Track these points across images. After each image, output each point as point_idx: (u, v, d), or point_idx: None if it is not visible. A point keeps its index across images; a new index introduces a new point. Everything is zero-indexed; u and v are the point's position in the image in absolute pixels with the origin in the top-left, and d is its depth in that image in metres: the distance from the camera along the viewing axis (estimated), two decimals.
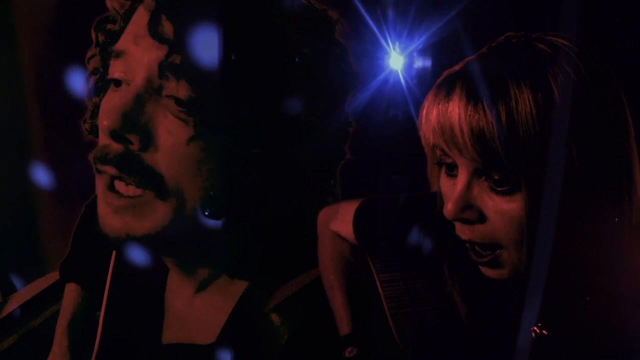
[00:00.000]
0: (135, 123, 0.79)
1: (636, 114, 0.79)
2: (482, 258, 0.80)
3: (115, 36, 0.85)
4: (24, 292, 1.44)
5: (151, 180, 0.80)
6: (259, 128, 0.81)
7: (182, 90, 0.78)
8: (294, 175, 0.87)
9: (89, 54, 0.93)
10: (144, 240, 0.82)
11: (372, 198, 1.06)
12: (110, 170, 0.80)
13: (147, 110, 0.80)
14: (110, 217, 0.83)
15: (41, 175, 1.37)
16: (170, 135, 0.80)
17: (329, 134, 0.90)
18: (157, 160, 0.80)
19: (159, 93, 0.80)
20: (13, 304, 1.42)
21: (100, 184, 0.85)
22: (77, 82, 1.09)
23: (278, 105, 0.83)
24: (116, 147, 0.81)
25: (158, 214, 0.82)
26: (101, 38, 0.89)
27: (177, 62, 0.78)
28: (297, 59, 0.84)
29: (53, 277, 1.45)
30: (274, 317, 0.91)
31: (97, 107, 0.86)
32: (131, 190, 0.83)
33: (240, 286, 0.93)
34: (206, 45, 0.78)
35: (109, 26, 0.89)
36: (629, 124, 0.78)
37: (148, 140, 0.80)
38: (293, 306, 0.93)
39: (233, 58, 0.79)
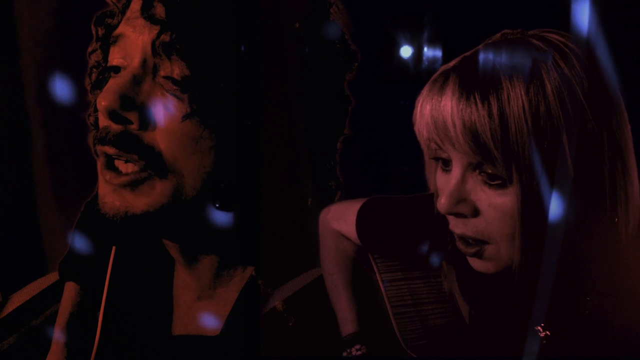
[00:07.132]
0: (133, 101, 0.81)
1: (636, 114, 0.78)
2: (470, 248, 0.80)
3: (115, 29, 0.87)
4: (24, 292, 1.44)
5: (150, 158, 0.82)
6: (251, 99, 0.83)
7: (176, 68, 0.80)
8: (291, 148, 0.89)
9: (90, 49, 0.94)
10: (144, 219, 0.83)
11: (375, 198, 1.06)
12: (110, 150, 0.81)
13: (144, 89, 0.82)
14: (110, 196, 0.84)
15: (41, 175, 1.37)
16: (167, 113, 0.82)
17: (325, 109, 0.92)
18: (156, 138, 0.82)
19: (155, 72, 0.82)
20: (13, 304, 1.41)
21: (99, 164, 0.86)
22: (77, 79, 1.10)
23: (269, 73, 0.85)
24: (115, 127, 0.82)
25: (156, 191, 0.83)
26: (101, 32, 0.91)
27: (169, 41, 0.80)
28: (288, 33, 0.87)
29: (53, 277, 1.44)
30: (281, 307, 0.92)
31: None
32: (130, 167, 0.84)
33: (243, 277, 0.93)
34: (199, 22, 0.81)
35: (108, 20, 0.90)
36: (625, 122, 0.78)
37: (147, 119, 0.82)
38: (300, 299, 0.94)
39: (226, 33, 0.82)
